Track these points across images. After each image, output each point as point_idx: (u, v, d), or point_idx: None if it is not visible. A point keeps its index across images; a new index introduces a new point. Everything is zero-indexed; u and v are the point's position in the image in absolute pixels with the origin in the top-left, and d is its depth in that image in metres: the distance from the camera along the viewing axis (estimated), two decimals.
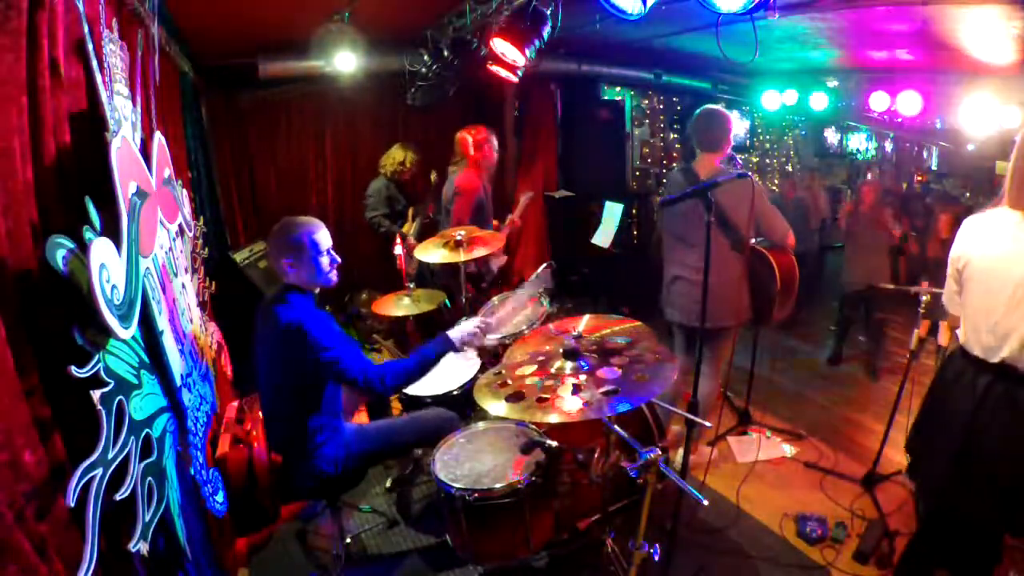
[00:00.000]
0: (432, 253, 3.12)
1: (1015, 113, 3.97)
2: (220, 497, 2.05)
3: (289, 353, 2.01)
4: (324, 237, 2.12)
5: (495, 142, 3.84)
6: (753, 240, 2.88)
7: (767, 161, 8.08)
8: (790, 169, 8.01)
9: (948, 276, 1.93)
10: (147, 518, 1.33)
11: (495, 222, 3.91)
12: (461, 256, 3.03)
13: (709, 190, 2.25)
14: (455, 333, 2.22)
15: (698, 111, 2.89)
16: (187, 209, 2.50)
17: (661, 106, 6.71)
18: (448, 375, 2.76)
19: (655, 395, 1.71)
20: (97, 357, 1.19)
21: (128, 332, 1.30)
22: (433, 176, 4.58)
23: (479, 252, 3.08)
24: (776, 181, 8.03)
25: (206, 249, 2.90)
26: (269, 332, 2.07)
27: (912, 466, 2.11)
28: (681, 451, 2.47)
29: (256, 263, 3.96)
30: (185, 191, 2.56)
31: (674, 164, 6.57)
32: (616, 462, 1.98)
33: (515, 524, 2.01)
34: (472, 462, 2.12)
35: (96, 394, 1.17)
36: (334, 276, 2.16)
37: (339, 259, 2.16)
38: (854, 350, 4.72)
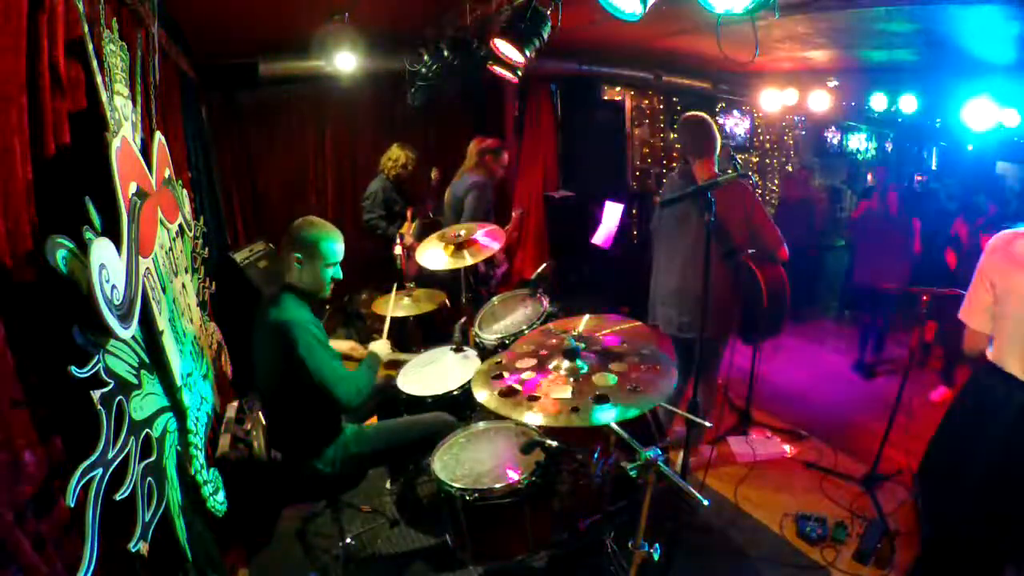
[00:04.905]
0: (435, 259, 3.08)
1: (1015, 113, 3.97)
2: (220, 497, 2.05)
3: (278, 353, 2.02)
4: (339, 249, 2.15)
5: (504, 158, 4.00)
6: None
7: (767, 161, 8.08)
8: (790, 169, 8.01)
9: (976, 290, 1.85)
10: (147, 518, 1.33)
11: None
12: (467, 259, 3.03)
13: (709, 189, 2.25)
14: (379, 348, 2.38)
15: (679, 121, 2.89)
16: (187, 209, 2.50)
17: (661, 106, 6.71)
18: (448, 375, 2.76)
19: (653, 403, 1.72)
20: (97, 357, 1.19)
21: (128, 332, 1.30)
22: (434, 174, 4.57)
23: (481, 254, 3.08)
24: (776, 181, 8.04)
25: (206, 249, 2.90)
26: (262, 332, 2.08)
27: (925, 484, 2.07)
28: (681, 451, 2.47)
29: (256, 263, 3.95)
30: (185, 191, 2.55)
31: (674, 164, 6.57)
32: (616, 462, 1.98)
33: (515, 524, 2.01)
34: (472, 462, 2.12)
35: (96, 394, 1.17)
36: (327, 292, 2.19)
37: (341, 276, 2.19)
38: (854, 349, 4.72)
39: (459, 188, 3.89)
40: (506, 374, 1.92)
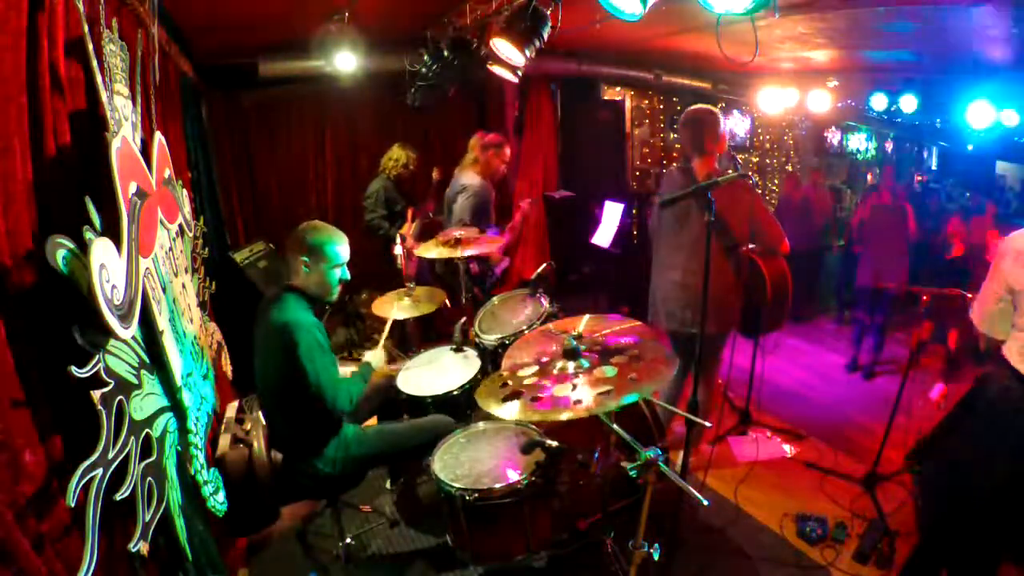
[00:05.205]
0: (431, 250, 3.12)
1: (1015, 113, 3.98)
2: (220, 497, 2.05)
3: (280, 353, 2.02)
4: (345, 251, 2.17)
5: (506, 153, 3.84)
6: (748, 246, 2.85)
7: (767, 161, 8.08)
8: (790, 169, 8.01)
9: (993, 295, 1.80)
10: (147, 518, 1.33)
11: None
12: (459, 252, 3.03)
13: (709, 189, 2.24)
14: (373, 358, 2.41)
15: (683, 114, 2.83)
16: (187, 209, 2.50)
17: (661, 106, 6.71)
18: (448, 375, 2.76)
19: (652, 390, 1.71)
20: (97, 357, 1.19)
21: (128, 332, 1.30)
22: (435, 174, 4.57)
23: (477, 249, 3.07)
24: (776, 181, 8.04)
25: (206, 249, 2.90)
26: (263, 331, 2.09)
27: (926, 479, 2.06)
28: (681, 451, 2.47)
29: (256, 263, 3.95)
30: (185, 191, 2.55)
31: (674, 164, 6.57)
32: (616, 462, 1.98)
33: (515, 524, 2.01)
34: (472, 462, 2.12)
35: (96, 394, 1.17)
36: (336, 294, 2.20)
37: (349, 277, 2.20)
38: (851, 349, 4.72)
39: (454, 188, 3.87)
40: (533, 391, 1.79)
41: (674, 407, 2.26)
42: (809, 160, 8.18)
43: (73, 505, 1.07)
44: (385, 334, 2.65)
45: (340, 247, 2.14)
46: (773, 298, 2.87)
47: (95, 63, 1.40)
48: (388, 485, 2.99)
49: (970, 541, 1.89)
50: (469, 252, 3.04)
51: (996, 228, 4.18)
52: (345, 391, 2.10)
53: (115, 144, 1.41)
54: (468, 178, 3.73)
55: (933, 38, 3.33)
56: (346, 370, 2.53)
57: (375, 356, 2.44)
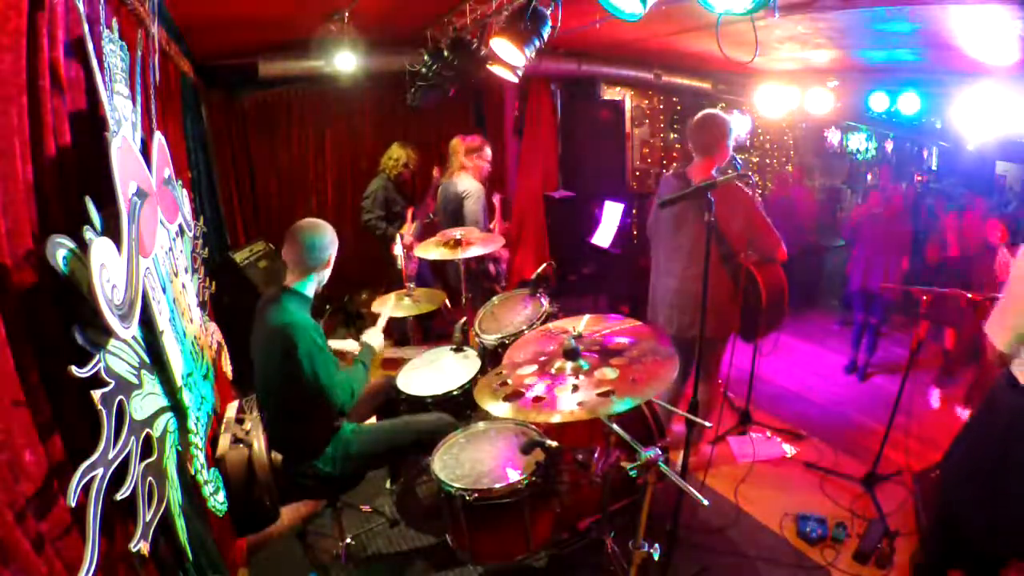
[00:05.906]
0: (431, 251, 3.12)
1: (1015, 114, 3.97)
2: (220, 497, 2.05)
3: (278, 354, 2.03)
4: (335, 247, 2.23)
5: (488, 153, 3.96)
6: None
7: (767, 161, 8.07)
8: (790, 169, 8.00)
9: (1008, 305, 1.71)
10: (148, 518, 1.33)
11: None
12: (459, 254, 3.03)
13: (708, 190, 2.24)
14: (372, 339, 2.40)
15: (696, 115, 2.83)
16: (187, 209, 2.49)
17: (661, 106, 6.71)
18: (448, 375, 2.76)
19: (653, 395, 1.71)
20: (97, 357, 1.19)
21: (128, 332, 1.30)
22: (435, 173, 4.57)
23: (477, 250, 3.08)
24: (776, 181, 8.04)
25: (206, 249, 2.90)
26: (263, 333, 2.09)
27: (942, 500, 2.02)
28: (681, 451, 2.47)
29: (256, 263, 3.95)
30: (185, 191, 2.55)
31: (674, 164, 6.58)
32: (616, 462, 1.98)
33: (515, 524, 2.01)
34: (472, 462, 2.12)
35: (97, 394, 1.17)
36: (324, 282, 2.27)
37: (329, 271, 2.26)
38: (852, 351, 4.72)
39: (452, 190, 3.90)
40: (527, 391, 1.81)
41: (674, 407, 2.25)
42: (808, 160, 8.17)
43: (74, 505, 1.06)
44: (384, 318, 2.63)
45: (333, 244, 2.17)
46: (768, 305, 2.87)
47: (95, 63, 1.40)
48: (388, 485, 2.99)
49: (980, 556, 1.88)
50: (479, 252, 3.07)
51: (992, 219, 4.17)
52: (346, 384, 2.11)
53: (115, 144, 1.41)
54: (466, 182, 3.81)
55: (934, 38, 3.33)
56: (343, 344, 2.54)
57: (374, 337, 2.41)
